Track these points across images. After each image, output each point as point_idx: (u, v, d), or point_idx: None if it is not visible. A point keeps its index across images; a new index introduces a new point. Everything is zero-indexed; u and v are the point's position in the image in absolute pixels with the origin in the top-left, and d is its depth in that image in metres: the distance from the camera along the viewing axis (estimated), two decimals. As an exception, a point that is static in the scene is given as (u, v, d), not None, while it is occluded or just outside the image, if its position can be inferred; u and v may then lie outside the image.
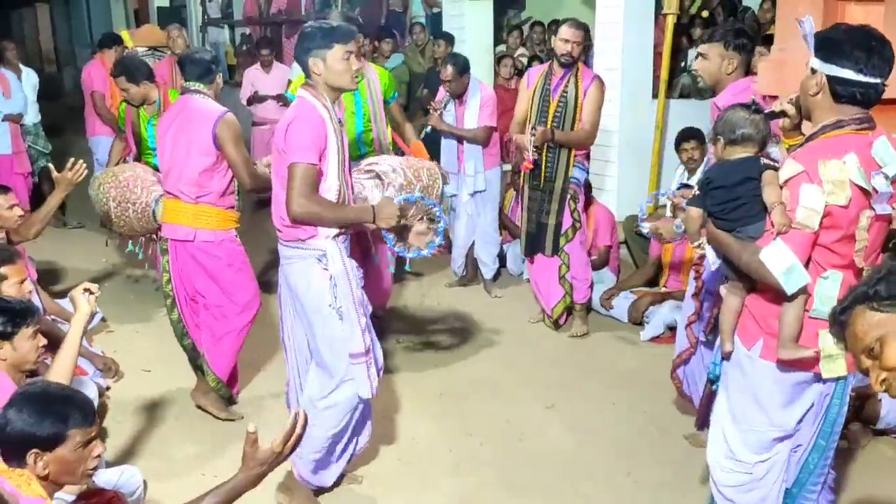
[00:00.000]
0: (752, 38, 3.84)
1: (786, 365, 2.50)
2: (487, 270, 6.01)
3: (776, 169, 2.47)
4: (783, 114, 2.66)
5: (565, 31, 4.87)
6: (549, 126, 4.89)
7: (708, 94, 7.21)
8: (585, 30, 4.95)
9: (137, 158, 5.15)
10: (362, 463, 3.66)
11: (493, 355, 4.96)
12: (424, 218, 3.36)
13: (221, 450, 3.81)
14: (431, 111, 5.75)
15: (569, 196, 5.05)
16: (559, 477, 3.60)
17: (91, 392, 3.78)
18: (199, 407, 4.13)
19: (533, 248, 5.25)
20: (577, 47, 4.85)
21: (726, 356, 2.70)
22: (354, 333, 3.10)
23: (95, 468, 2.31)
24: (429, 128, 5.77)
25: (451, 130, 5.73)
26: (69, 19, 19.76)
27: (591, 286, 5.35)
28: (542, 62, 8.13)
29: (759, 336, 2.55)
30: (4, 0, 17.70)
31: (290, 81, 8.42)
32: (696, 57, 3.73)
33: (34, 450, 2.11)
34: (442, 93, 5.79)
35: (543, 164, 5.03)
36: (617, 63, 6.44)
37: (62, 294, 5.63)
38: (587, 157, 5.19)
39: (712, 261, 2.68)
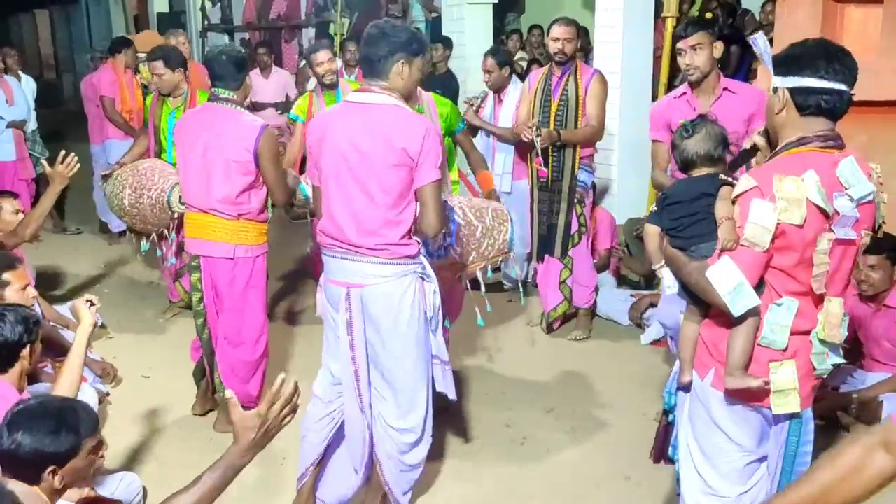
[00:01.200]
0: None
1: (732, 396, 2.35)
2: (509, 280, 5.89)
3: (735, 186, 2.36)
4: (755, 149, 2.56)
5: (555, 30, 4.89)
6: (552, 127, 4.89)
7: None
8: (577, 27, 4.94)
9: (157, 155, 5.10)
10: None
11: (492, 359, 4.95)
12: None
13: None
14: (467, 106, 5.62)
15: (575, 199, 5.04)
16: (559, 481, 3.59)
17: (91, 399, 3.78)
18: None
19: (543, 250, 5.21)
20: (568, 44, 4.85)
21: (684, 387, 2.57)
22: (443, 343, 3.15)
23: (100, 466, 2.37)
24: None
25: (485, 127, 5.65)
26: (68, 25, 19.76)
27: (596, 290, 5.33)
28: (541, 66, 8.15)
29: (711, 365, 2.39)
30: (4, 6, 17.71)
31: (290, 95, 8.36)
32: (680, 53, 3.72)
33: (51, 466, 2.10)
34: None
35: (550, 164, 5.02)
36: (617, 66, 6.44)
37: (61, 300, 5.63)
38: (592, 158, 5.15)
39: (668, 285, 2.56)
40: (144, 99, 5.42)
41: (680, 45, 3.69)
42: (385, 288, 2.94)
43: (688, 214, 2.47)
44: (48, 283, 6.09)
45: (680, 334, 2.57)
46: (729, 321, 2.30)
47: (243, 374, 3.93)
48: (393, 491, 3.24)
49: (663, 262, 2.58)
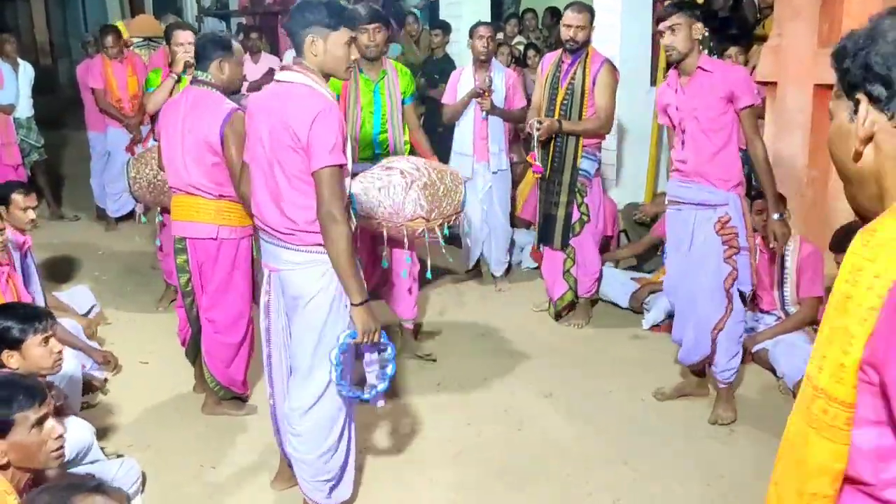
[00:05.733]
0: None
1: None
2: (498, 268, 5.87)
3: None
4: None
5: (567, 17, 4.81)
6: (556, 115, 4.84)
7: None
8: (591, 13, 4.84)
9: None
10: (361, 454, 3.66)
11: (491, 344, 4.95)
12: (376, 353, 3.05)
13: (219, 441, 3.81)
14: (484, 95, 5.33)
15: (577, 188, 4.97)
16: (558, 465, 3.60)
17: (75, 383, 3.75)
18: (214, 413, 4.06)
19: (543, 238, 5.18)
20: (580, 31, 4.76)
21: None
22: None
23: (60, 449, 2.33)
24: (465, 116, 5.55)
25: (503, 114, 5.49)
26: (64, 11, 19.63)
27: (599, 279, 5.29)
28: (537, 50, 8.12)
29: None
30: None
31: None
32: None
33: None
34: (475, 78, 5.48)
35: (551, 153, 4.95)
36: (615, 50, 6.40)
37: (59, 287, 5.63)
38: (599, 147, 5.07)
39: None
40: (150, 75, 5.31)
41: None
42: (296, 275, 2.91)
43: None
44: (46, 269, 6.07)
45: None
46: None
47: (225, 356, 3.93)
48: (305, 492, 3.15)
49: None
